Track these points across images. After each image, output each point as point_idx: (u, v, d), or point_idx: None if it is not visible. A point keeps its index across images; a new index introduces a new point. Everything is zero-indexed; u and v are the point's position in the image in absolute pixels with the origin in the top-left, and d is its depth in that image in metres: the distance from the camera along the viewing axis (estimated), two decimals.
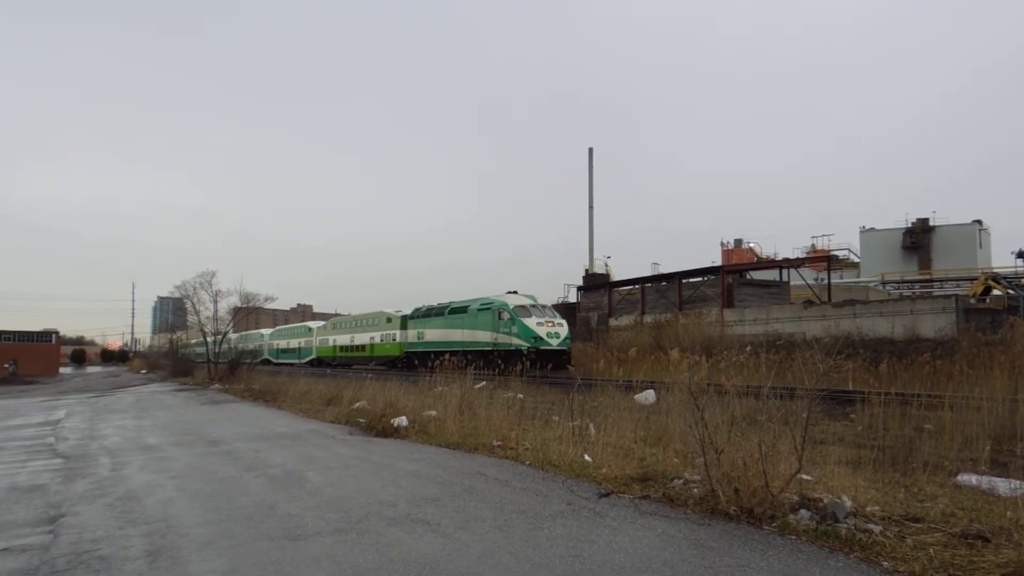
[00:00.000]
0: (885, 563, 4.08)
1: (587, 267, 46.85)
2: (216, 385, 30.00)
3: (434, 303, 41.20)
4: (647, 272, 45.39)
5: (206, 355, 35.33)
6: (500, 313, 27.72)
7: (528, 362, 23.42)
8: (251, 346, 70.66)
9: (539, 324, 26.38)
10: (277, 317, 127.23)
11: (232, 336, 37.93)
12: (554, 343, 26.07)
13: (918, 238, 55.22)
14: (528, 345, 25.45)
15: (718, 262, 49.68)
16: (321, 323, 59.00)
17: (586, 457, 7.76)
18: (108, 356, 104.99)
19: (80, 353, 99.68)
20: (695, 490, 5.90)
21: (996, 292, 30.34)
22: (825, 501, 5.12)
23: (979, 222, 55.38)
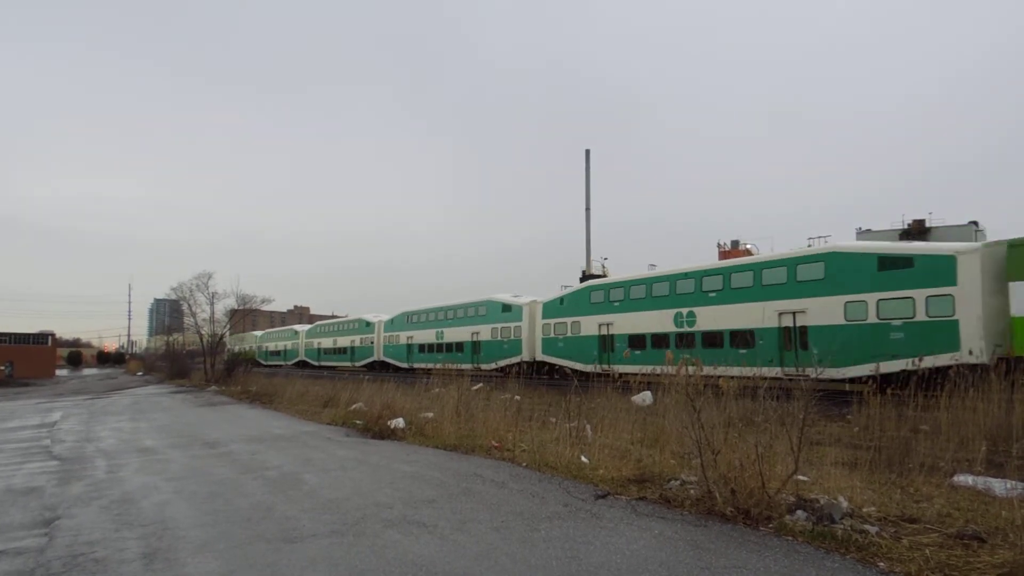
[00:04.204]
0: (881, 564, 4.09)
1: (584, 268, 46.78)
2: (213, 387, 29.97)
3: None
4: (645, 273, 45.38)
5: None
6: None
7: None
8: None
9: None
10: (274, 319, 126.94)
11: (227, 340, 38.23)
12: None
13: (914, 239, 55.40)
14: None
15: None
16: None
17: (583, 458, 7.76)
18: (104, 358, 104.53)
19: (76, 355, 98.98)
20: (692, 491, 5.91)
21: None
22: (822, 502, 5.13)
23: (975, 223, 55.55)
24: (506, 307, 32.81)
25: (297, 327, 65.10)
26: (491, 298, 34.37)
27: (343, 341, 51.08)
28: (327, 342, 54.31)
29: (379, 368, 44.05)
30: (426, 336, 39.14)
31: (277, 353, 65.31)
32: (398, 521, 5.47)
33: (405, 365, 40.67)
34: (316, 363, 55.65)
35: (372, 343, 46.43)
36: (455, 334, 36.29)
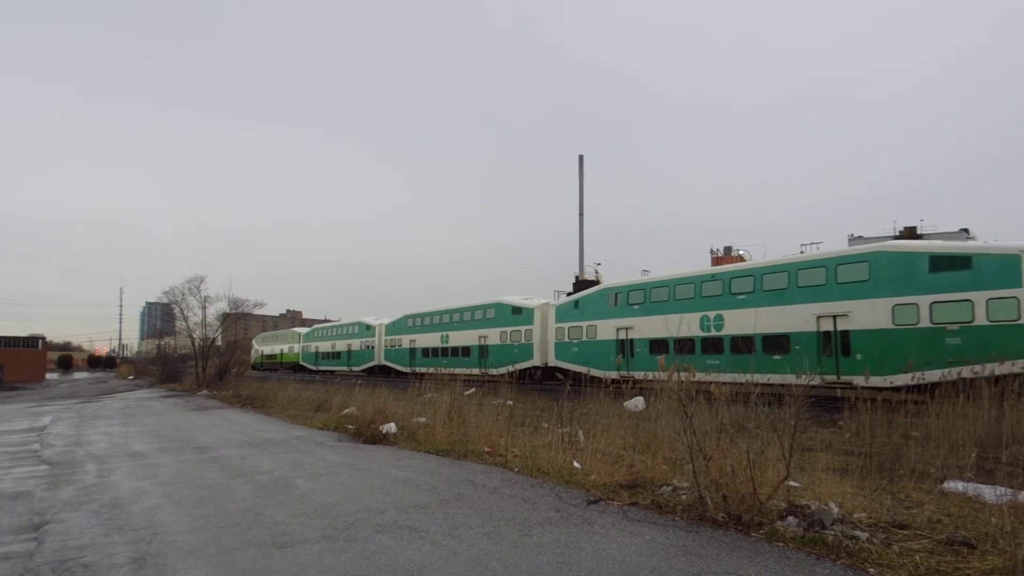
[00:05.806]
0: (872, 570, 4.11)
1: (577, 274, 46.86)
2: (204, 391, 29.79)
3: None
4: (638, 279, 45.36)
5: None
6: None
7: None
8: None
9: None
10: (266, 323, 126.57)
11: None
12: None
13: None
14: None
15: None
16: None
17: (575, 464, 7.76)
18: (95, 362, 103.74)
19: (67, 359, 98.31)
20: (683, 497, 5.91)
21: None
22: (812, 508, 5.15)
23: (966, 230, 55.94)
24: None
25: (370, 321, 48.19)
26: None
27: (463, 338, 36.19)
28: (428, 339, 39.35)
29: (545, 377, 29.65)
30: (658, 325, 23.92)
31: (336, 356, 51.74)
32: (389, 526, 5.46)
33: (614, 374, 22.37)
34: (406, 369, 40.84)
35: (526, 340, 31.43)
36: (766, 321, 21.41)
